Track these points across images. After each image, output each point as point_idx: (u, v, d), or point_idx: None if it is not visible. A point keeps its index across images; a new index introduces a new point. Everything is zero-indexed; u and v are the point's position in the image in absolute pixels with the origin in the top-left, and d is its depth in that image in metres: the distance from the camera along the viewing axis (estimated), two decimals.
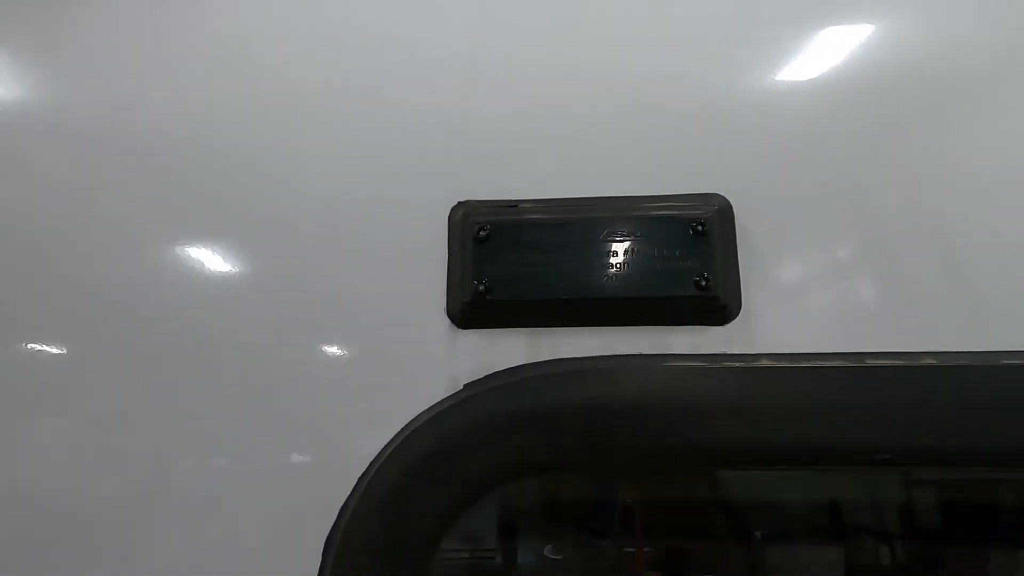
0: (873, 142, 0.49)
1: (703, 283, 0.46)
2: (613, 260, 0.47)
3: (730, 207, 0.48)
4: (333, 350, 0.49)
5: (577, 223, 0.48)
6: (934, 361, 0.45)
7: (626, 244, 0.47)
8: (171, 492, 0.47)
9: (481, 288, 0.47)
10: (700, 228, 0.47)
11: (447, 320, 0.48)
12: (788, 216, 0.49)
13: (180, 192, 0.53)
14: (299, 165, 0.52)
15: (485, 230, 0.48)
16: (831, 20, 0.53)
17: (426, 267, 0.49)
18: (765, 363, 0.46)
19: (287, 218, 0.51)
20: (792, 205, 0.49)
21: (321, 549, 0.45)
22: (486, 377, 0.47)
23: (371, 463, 0.45)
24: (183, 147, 0.54)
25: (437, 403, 0.46)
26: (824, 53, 0.52)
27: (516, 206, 0.49)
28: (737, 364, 0.46)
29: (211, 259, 0.51)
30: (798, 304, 0.47)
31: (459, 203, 0.50)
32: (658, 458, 0.47)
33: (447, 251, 0.49)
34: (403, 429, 0.46)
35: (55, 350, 0.50)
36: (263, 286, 0.50)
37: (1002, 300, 0.46)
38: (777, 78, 0.52)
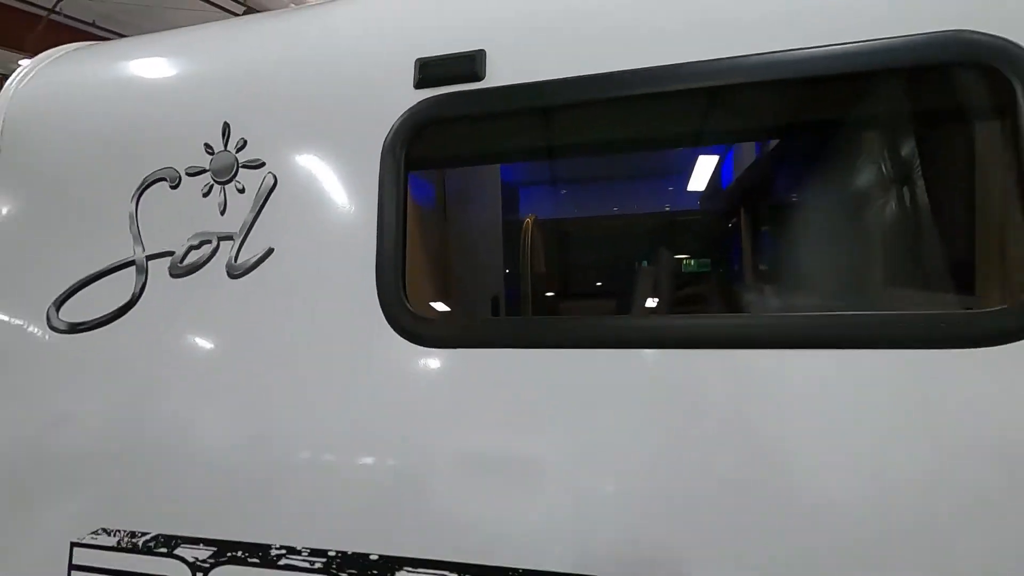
0: None
1: (473, 69, 1.87)
2: (438, 67, 1.87)
3: (484, 52, 1.88)
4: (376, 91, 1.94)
5: (436, 59, 1.89)
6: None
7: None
8: None
9: (420, 77, 1.88)
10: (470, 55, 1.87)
11: (412, 87, 1.90)
12: (511, 47, 1.88)
13: None
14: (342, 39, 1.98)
15: (424, 60, 1.91)
16: None
17: (407, 75, 1.91)
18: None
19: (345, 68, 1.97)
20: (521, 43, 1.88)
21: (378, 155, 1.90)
22: (421, 100, 1.89)
23: (397, 118, 1.89)
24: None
25: (414, 104, 1.89)
26: None
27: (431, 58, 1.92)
28: (480, 89, 1.87)
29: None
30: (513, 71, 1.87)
31: (418, 58, 1.92)
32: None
33: (414, 68, 1.92)
34: (409, 108, 1.89)
35: None
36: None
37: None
38: None
